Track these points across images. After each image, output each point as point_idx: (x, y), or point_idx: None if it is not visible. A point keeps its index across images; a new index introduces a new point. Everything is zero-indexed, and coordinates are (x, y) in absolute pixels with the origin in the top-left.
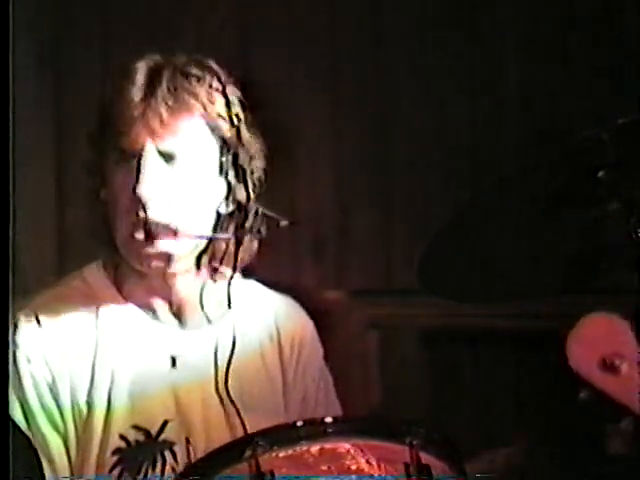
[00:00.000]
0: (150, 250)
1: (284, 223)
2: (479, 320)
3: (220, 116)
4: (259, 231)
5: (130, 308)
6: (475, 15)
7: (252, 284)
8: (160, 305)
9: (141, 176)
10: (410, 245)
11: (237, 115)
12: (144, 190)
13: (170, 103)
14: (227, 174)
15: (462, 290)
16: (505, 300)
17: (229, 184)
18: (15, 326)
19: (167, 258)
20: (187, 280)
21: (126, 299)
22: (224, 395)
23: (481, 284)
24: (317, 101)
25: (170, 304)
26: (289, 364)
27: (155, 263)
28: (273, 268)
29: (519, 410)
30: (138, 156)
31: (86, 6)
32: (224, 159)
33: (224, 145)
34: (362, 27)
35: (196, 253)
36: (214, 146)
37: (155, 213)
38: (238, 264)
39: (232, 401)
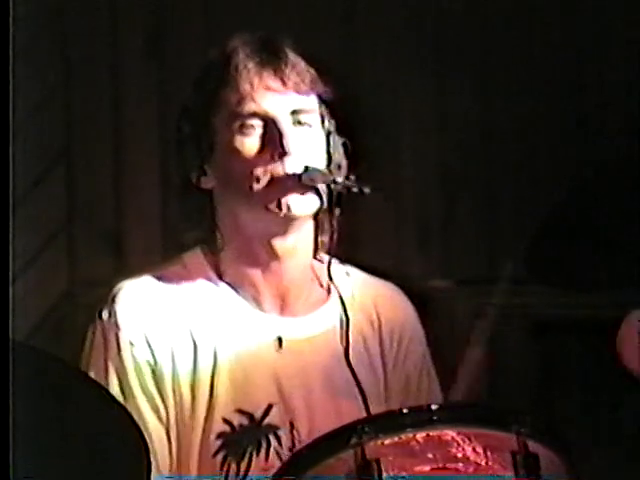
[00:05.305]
0: (296, 191)
1: (367, 190)
2: (585, 310)
3: (322, 80)
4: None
5: (231, 293)
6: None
7: (353, 270)
8: (266, 290)
9: (284, 131)
10: (516, 234)
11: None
12: (289, 144)
13: (292, 65)
14: (329, 141)
15: (570, 279)
16: (612, 289)
17: (328, 151)
18: (116, 309)
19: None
20: (295, 264)
21: (228, 284)
22: (341, 379)
23: (588, 273)
24: (420, 89)
25: (275, 289)
26: (389, 352)
27: (300, 208)
28: (378, 257)
29: (629, 400)
30: (271, 117)
31: None
32: (327, 125)
33: (328, 111)
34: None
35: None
36: (320, 110)
37: (297, 163)
38: (334, 240)
39: (357, 381)
